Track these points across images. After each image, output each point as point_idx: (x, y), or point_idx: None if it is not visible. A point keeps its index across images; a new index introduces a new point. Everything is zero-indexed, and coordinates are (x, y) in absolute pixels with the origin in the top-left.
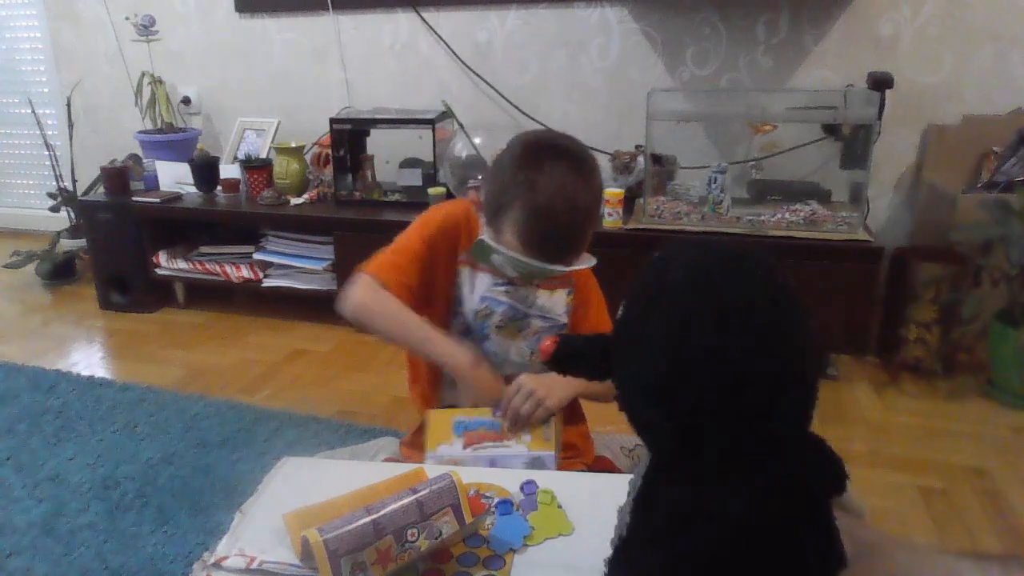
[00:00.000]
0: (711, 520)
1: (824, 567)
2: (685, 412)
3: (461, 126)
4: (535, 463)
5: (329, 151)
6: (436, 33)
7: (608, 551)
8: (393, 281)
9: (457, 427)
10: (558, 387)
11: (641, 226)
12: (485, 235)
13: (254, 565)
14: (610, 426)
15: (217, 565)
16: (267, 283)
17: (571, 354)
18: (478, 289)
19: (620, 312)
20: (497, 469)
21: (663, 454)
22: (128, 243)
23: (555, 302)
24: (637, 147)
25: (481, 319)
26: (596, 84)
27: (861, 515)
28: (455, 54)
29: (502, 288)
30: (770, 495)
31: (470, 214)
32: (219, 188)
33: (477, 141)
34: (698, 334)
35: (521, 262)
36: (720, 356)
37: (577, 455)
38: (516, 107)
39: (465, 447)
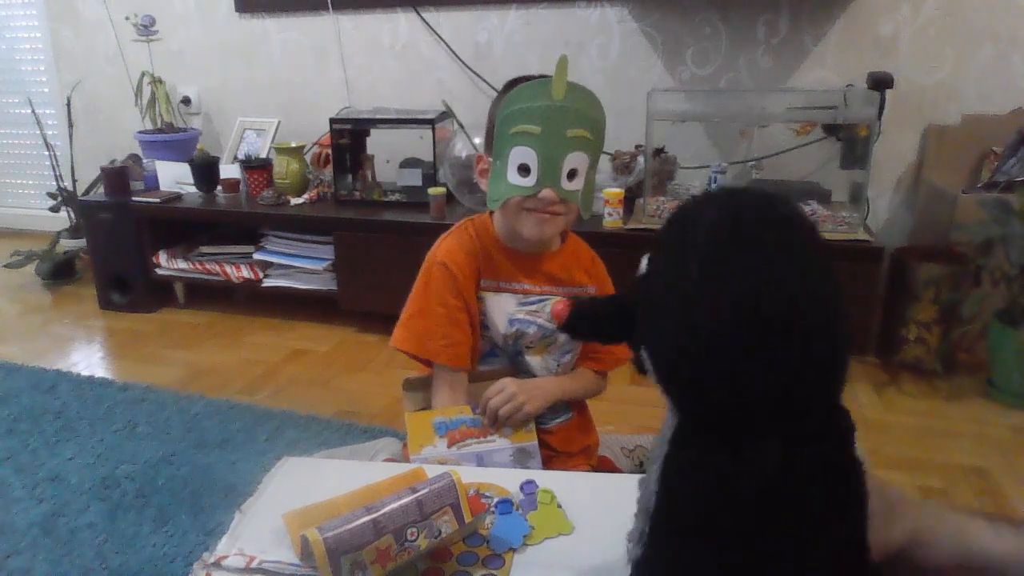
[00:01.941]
0: (747, 481)
1: (852, 521)
2: (716, 371)
3: (461, 126)
4: (520, 454)
5: (329, 151)
6: (436, 33)
7: (608, 550)
8: (450, 357)
9: (439, 428)
10: (539, 393)
11: (641, 226)
12: (490, 172)
13: (254, 565)
14: (610, 426)
15: (217, 565)
16: (267, 283)
17: (586, 317)
18: (505, 313)
19: (644, 268)
20: (496, 469)
21: (689, 415)
22: (128, 243)
23: None
24: (637, 147)
25: (512, 341)
26: (596, 84)
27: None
28: (455, 54)
29: (530, 307)
30: (800, 454)
31: (468, 230)
32: (219, 188)
33: (477, 141)
34: (730, 290)
35: (523, 122)
36: (753, 313)
37: (588, 459)
38: None
39: (449, 447)
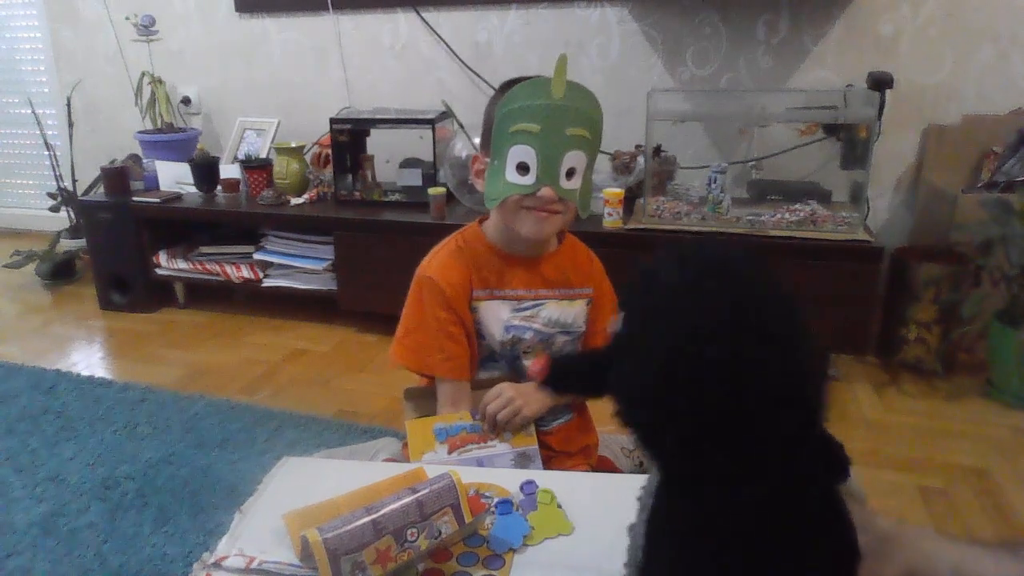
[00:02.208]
0: (726, 538)
1: (840, 563)
2: (687, 423)
3: (461, 126)
4: (521, 458)
5: (329, 151)
6: (436, 33)
7: (608, 550)
8: (449, 370)
9: (439, 434)
10: (536, 396)
11: (641, 226)
12: (488, 172)
13: (254, 565)
14: (610, 426)
15: (217, 565)
16: (267, 283)
17: (564, 375)
18: (500, 320)
19: (615, 324)
20: (497, 469)
21: (668, 467)
22: (128, 243)
23: (576, 315)
24: (637, 147)
25: (509, 347)
26: (596, 84)
27: (862, 500)
28: (455, 54)
29: (525, 312)
30: (781, 500)
31: (457, 241)
32: (219, 188)
33: (477, 141)
34: (694, 342)
35: (523, 120)
36: (717, 362)
37: (587, 459)
38: None
39: (450, 453)
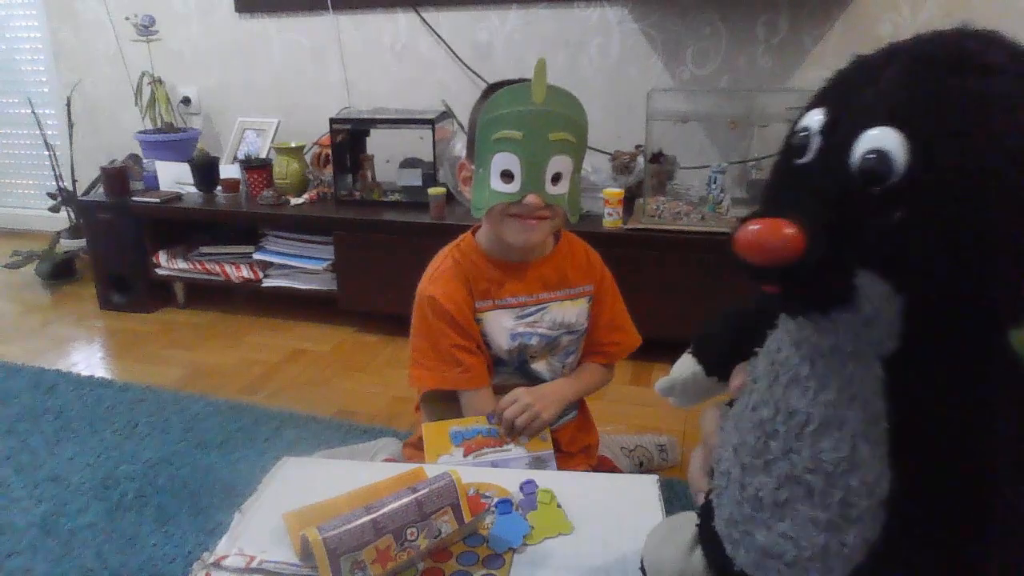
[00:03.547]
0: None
1: None
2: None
3: (461, 126)
4: (536, 463)
5: (329, 151)
6: (436, 33)
7: (608, 550)
8: (469, 380)
9: (455, 437)
10: (553, 399)
11: (641, 226)
12: (473, 180)
13: (254, 564)
14: (610, 426)
15: (217, 565)
16: (267, 283)
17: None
18: (505, 329)
19: (901, 159)
20: (497, 469)
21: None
22: (128, 243)
23: (579, 314)
24: (637, 147)
25: (516, 354)
26: (596, 84)
27: None
28: (455, 54)
29: (529, 319)
30: None
31: (453, 256)
32: (219, 188)
33: None
34: None
35: (505, 127)
36: None
37: (588, 459)
38: None
39: (465, 455)
